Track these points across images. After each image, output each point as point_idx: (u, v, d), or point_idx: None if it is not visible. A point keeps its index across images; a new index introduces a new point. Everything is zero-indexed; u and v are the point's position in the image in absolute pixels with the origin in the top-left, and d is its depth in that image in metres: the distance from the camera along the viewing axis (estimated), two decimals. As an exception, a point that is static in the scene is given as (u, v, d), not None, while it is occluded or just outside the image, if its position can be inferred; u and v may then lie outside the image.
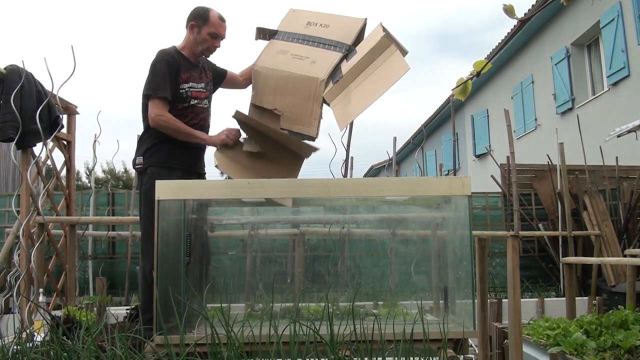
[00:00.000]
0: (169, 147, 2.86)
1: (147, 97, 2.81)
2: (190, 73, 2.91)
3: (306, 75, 2.72)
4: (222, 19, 2.93)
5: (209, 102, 3.07)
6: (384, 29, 2.66)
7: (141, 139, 2.95)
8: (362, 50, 2.72)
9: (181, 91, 2.86)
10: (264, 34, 3.00)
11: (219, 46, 2.98)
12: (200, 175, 3.09)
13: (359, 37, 2.93)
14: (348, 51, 2.81)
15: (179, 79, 2.85)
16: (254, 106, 2.93)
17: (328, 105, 2.73)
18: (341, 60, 2.78)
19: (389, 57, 2.58)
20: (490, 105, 13.71)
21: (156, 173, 2.74)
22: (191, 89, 2.90)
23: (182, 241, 2.50)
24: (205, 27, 2.89)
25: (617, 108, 8.43)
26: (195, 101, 2.92)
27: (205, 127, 3.03)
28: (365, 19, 2.95)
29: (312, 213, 3.62)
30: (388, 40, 2.59)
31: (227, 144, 2.86)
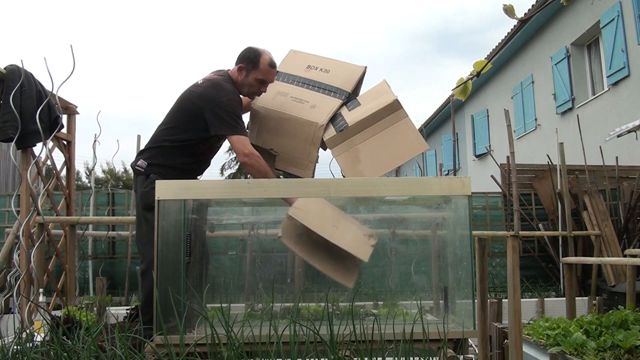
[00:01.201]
0: (177, 170, 2.83)
1: (224, 134, 2.75)
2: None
3: (306, 120, 2.77)
4: (272, 65, 2.85)
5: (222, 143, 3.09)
6: (391, 91, 2.77)
7: (153, 150, 2.86)
8: (366, 103, 2.79)
9: None
10: None
11: (265, 91, 2.92)
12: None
13: (358, 84, 3.01)
14: (348, 99, 2.87)
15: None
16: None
17: (324, 149, 2.80)
18: (340, 107, 2.84)
19: (397, 122, 2.71)
20: (490, 105, 13.71)
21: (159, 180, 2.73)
22: None
23: (182, 241, 2.50)
24: (253, 72, 2.83)
25: (617, 108, 8.43)
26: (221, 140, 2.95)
27: (209, 158, 3.04)
28: (365, 67, 3.02)
29: (312, 213, 3.62)
30: (399, 103, 2.72)
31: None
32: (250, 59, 2.84)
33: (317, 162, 2.85)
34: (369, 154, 2.70)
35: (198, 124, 2.78)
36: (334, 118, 2.78)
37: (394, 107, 2.71)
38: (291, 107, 2.85)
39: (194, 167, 2.95)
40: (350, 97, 2.88)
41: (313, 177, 2.85)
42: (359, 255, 2.61)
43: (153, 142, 2.88)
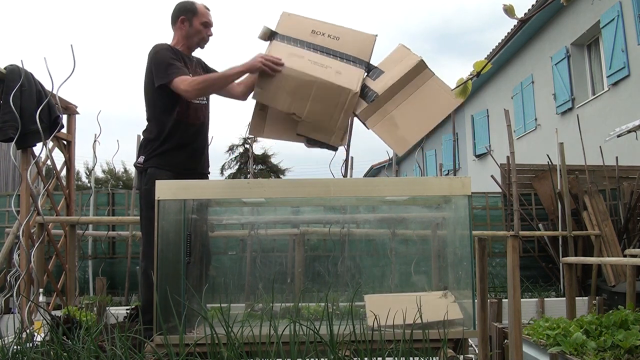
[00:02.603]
0: (173, 151, 2.84)
1: (164, 85, 2.76)
2: (188, 67, 2.91)
3: (336, 85, 2.58)
4: (207, 8, 3.02)
5: (208, 101, 3.06)
6: (412, 53, 2.69)
7: (145, 139, 2.92)
8: (390, 69, 2.70)
9: None
10: (267, 35, 2.79)
11: (211, 34, 3.03)
12: (203, 175, 3.07)
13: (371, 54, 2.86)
14: (368, 69, 2.72)
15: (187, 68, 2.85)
16: (259, 105, 2.72)
17: (357, 118, 2.68)
18: (364, 78, 2.70)
19: (425, 81, 2.64)
20: (490, 105, 13.71)
21: (157, 174, 2.73)
22: None
23: (182, 241, 2.50)
24: (195, 18, 2.95)
25: (617, 108, 8.43)
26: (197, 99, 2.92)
27: (205, 126, 3.03)
28: (376, 36, 2.83)
29: (312, 213, 3.62)
30: (424, 64, 2.65)
31: (266, 72, 2.61)
32: (188, 8, 2.96)
33: (347, 130, 2.71)
34: (405, 118, 2.64)
35: (157, 92, 2.82)
36: (363, 89, 2.66)
37: (420, 68, 2.64)
38: (315, 70, 2.62)
39: (186, 139, 2.89)
40: (371, 67, 2.75)
41: (343, 143, 2.73)
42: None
43: (145, 135, 2.94)
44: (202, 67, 3.13)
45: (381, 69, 2.73)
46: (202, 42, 3.01)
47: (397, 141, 2.63)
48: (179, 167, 2.85)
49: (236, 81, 2.97)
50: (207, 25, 2.99)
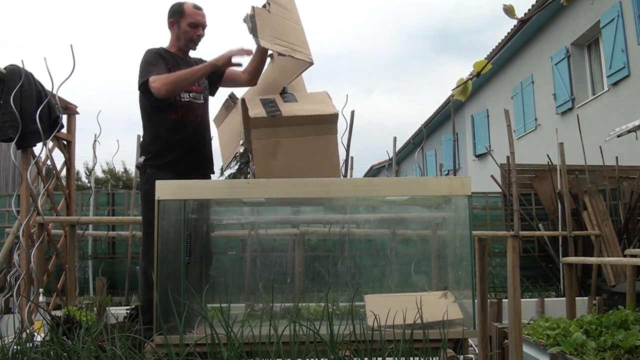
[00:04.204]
0: (169, 151, 2.85)
1: (144, 85, 2.78)
2: (181, 68, 2.92)
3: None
4: (197, 8, 2.98)
5: (205, 99, 3.07)
6: (332, 103, 2.63)
7: (143, 140, 2.96)
8: (304, 102, 2.65)
9: None
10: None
11: (202, 35, 3.01)
12: (206, 175, 3.07)
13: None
14: (283, 91, 2.77)
15: (171, 71, 2.86)
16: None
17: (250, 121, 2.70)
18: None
19: (326, 134, 2.60)
20: (490, 105, 13.70)
21: (156, 175, 2.74)
22: None
23: (182, 241, 2.50)
24: (182, 19, 2.94)
25: (617, 108, 8.43)
26: (192, 95, 2.94)
27: (202, 124, 3.03)
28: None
29: (312, 213, 3.62)
30: (337, 118, 2.58)
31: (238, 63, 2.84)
32: (176, 9, 2.97)
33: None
34: (288, 154, 2.58)
35: (147, 92, 2.83)
36: (266, 101, 2.62)
37: (331, 120, 2.56)
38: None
39: (182, 138, 2.90)
40: (285, 91, 2.78)
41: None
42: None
43: (143, 135, 2.97)
44: None
45: (296, 98, 2.67)
46: (190, 44, 2.99)
47: (263, 169, 2.61)
48: (178, 166, 2.85)
49: (241, 70, 3.10)
50: (195, 25, 2.95)
